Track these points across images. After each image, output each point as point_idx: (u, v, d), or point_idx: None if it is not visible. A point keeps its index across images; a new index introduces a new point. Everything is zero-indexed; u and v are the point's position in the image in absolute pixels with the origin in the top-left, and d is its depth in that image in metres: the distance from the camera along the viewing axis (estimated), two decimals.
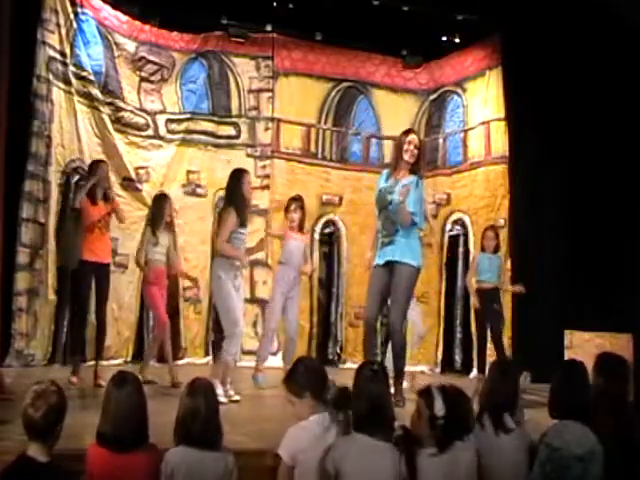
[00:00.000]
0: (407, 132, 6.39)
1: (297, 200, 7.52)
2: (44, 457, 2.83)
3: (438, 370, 9.08)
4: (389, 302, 6.19)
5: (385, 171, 6.37)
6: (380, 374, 3.42)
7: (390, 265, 6.03)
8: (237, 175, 6.26)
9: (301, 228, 7.43)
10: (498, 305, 7.26)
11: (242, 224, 6.11)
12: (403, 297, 6.05)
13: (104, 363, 7.89)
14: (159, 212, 7.06)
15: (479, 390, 3.73)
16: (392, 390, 5.94)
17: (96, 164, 7.08)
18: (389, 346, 6.48)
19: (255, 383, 7.04)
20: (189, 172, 8.99)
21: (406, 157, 6.09)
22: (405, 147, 6.10)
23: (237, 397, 6.07)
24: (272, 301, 7.36)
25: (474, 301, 7.29)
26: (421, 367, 8.73)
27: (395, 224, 6.05)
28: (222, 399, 5.59)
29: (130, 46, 8.63)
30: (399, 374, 6.11)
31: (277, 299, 7.26)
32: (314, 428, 3.29)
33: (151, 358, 7.30)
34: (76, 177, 8.04)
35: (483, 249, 7.39)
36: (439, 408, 3.28)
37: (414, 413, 3.41)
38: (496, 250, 7.36)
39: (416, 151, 6.10)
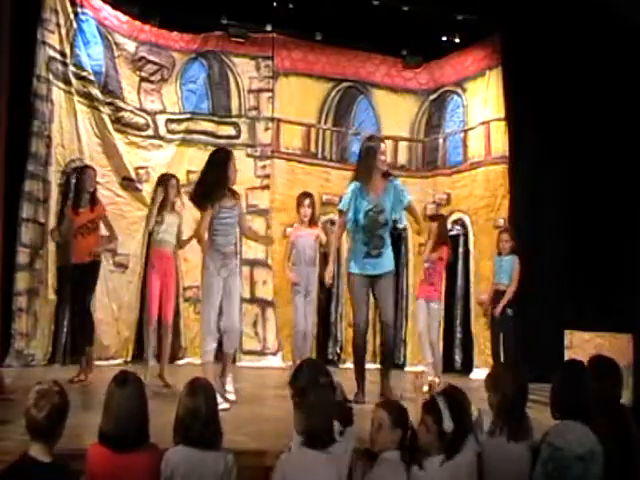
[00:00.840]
0: (376, 139, 6.48)
1: (310, 196, 7.56)
2: (46, 457, 2.84)
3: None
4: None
5: (355, 185, 6.21)
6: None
7: (378, 277, 6.23)
8: (224, 156, 6.03)
9: (312, 222, 7.48)
10: (512, 310, 7.27)
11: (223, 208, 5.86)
12: (392, 300, 6.42)
13: (104, 363, 7.94)
14: (164, 191, 6.87)
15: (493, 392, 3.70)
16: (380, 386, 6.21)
17: (81, 170, 7.32)
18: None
19: None
20: (189, 172, 8.95)
21: (383, 167, 6.21)
22: (380, 157, 6.15)
23: (233, 397, 6.03)
24: (294, 304, 7.34)
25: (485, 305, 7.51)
26: (421, 367, 8.71)
27: (383, 238, 6.19)
28: (221, 406, 5.57)
29: (130, 46, 8.62)
30: (389, 368, 6.33)
31: (298, 301, 7.26)
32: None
33: (165, 358, 6.96)
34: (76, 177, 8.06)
35: (500, 252, 7.43)
36: (447, 423, 3.31)
37: (421, 426, 3.42)
38: (513, 251, 7.37)
39: (385, 156, 6.29)
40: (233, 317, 5.97)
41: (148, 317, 6.88)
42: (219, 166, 5.94)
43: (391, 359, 6.49)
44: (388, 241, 6.29)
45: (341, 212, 6.34)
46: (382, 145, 6.25)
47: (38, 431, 2.83)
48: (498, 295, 7.30)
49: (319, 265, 7.64)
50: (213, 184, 5.86)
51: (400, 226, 6.39)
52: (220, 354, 6.01)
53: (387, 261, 6.25)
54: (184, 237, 7.01)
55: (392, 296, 6.41)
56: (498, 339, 7.26)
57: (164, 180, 7.05)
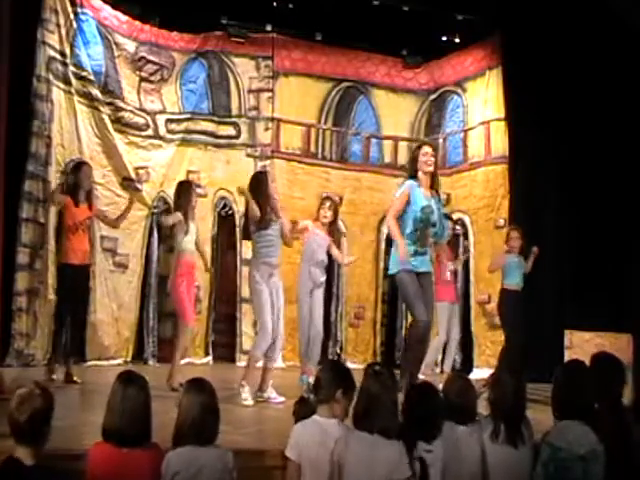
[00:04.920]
0: (422, 143, 6.53)
1: (329, 199, 7.60)
2: (31, 460, 2.80)
3: (438, 370, 9.07)
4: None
5: (411, 181, 6.13)
6: (383, 374, 3.41)
7: (423, 274, 6.12)
8: (260, 176, 6.46)
9: (329, 229, 7.42)
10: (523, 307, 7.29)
11: (265, 226, 6.18)
12: (432, 299, 6.30)
13: (104, 363, 7.95)
14: (187, 199, 6.81)
15: (490, 396, 3.71)
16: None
17: (77, 166, 7.23)
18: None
19: (300, 383, 6.96)
20: (189, 172, 8.97)
21: (426, 168, 6.07)
22: (422, 158, 6.06)
23: (282, 398, 6.06)
24: (299, 302, 7.26)
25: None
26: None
27: (429, 240, 6.12)
28: (247, 402, 5.81)
29: (130, 46, 8.62)
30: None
31: (303, 299, 7.18)
32: (320, 424, 3.33)
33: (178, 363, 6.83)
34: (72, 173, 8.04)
35: (509, 250, 7.36)
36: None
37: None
38: (521, 251, 7.32)
39: (433, 159, 6.12)
40: (280, 327, 6.25)
41: (186, 321, 6.71)
42: (257, 185, 6.27)
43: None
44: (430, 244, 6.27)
45: (398, 197, 6.09)
46: (425, 147, 6.21)
47: (22, 435, 2.80)
48: (510, 295, 7.23)
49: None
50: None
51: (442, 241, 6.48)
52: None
53: (429, 262, 6.21)
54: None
55: (433, 296, 6.34)
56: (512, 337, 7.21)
57: (187, 188, 6.98)
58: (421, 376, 6.82)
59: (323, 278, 7.24)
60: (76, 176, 7.00)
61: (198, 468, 3.10)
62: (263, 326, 6.11)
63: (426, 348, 6.36)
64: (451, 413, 3.50)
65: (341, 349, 9.43)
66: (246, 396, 5.88)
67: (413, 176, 6.11)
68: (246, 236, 6.51)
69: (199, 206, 8.74)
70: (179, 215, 6.68)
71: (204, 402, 3.18)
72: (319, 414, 3.36)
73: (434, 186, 6.16)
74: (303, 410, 3.46)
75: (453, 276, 8.39)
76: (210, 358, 8.84)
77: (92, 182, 7.22)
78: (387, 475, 3.18)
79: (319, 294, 7.21)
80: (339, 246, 7.81)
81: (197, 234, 6.93)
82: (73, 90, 8.01)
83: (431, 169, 6.07)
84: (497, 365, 7.22)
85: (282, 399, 6.01)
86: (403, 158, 9.81)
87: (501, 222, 8.54)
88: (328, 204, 7.35)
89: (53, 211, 7.73)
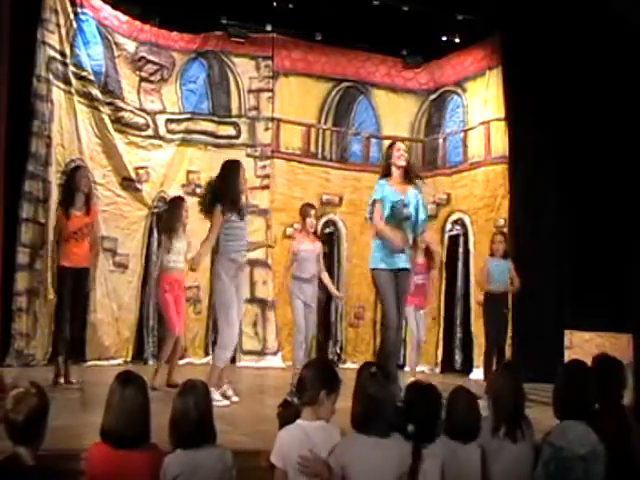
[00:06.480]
0: (394, 142, 6.46)
1: (314, 207, 7.52)
2: (30, 460, 2.79)
3: (438, 370, 9.08)
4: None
5: (380, 181, 6.14)
6: (378, 375, 3.40)
7: (399, 272, 6.08)
8: (232, 166, 6.26)
9: (315, 234, 7.40)
10: (507, 310, 7.27)
11: (237, 216, 6.04)
12: (406, 296, 6.28)
13: (104, 363, 7.95)
14: (176, 216, 6.86)
15: (489, 395, 3.71)
16: None
17: (73, 171, 7.13)
18: None
19: None
20: (189, 172, 8.99)
21: (398, 162, 6.07)
22: (395, 154, 6.08)
23: (236, 398, 6.07)
24: (295, 314, 7.23)
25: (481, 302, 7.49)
26: (421, 367, 8.72)
27: (406, 235, 6.07)
28: (220, 403, 5.64)
29: (130, 46, 8.63)
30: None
31: (299, 312, 7.14)
32: (304, 429, 3.25)
33: (163, 363, 6.87)
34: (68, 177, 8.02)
35: (492, 254, 7.34)
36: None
37: None
38: (505, 254, 7.28)
39: (405, 154, 6.13)
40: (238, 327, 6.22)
41: (171, 328, 6.76)
42: (229, 174, 6.15)
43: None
44: (409, 241, 6.16)
45: (376, 201, 6.04)
46: (397, 144, 6.25)
47: (19, 435, 2.79)
48: (495, 297, 7.19)
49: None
50: (224, 190, 6.05)
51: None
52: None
53: (407, 259, 6.12)
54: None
55: (406, 292, 6.28)
56: (495, 340, 7.21)
57: (177, 204, 7.00)
58: (412, 378, 6.87)
59: (314, 291, 7.22)
60: (72, 179, 6.87)
61: (197, 469, 3.09)
62: (230, 327, 5.95)
63: (398, 343, 6.37)
64: (454, 433, 3.46)
65: (341, 349, 9.44)
66: (218, 398, 5.70)
67: (386, 174, 6.11)
68: (208, 210, 6.15)
69: (198, 206, 8.80)
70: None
71: (198, 403, 3.17)
72: (303, 417, 3.26)
73: (410, 177, 6.14)
74: (287, 413, 3.37)
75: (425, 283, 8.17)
76: (210, 358, 8.82)
77: (92, 182, 7.17)
78: (398, 470, 3.18)
79: (313, 304, 7.21)
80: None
81: (187, 248, 6.87)
82: (73, 90, 8.01)
83: (404, 163, 6.08)
84: (483, 368, 7.27)
85: (227, 402, 5.93)
86: None
87: (501, 222, 8.54)
88: (313, 212, 7.29)
89: (53, 211, 7.74)
